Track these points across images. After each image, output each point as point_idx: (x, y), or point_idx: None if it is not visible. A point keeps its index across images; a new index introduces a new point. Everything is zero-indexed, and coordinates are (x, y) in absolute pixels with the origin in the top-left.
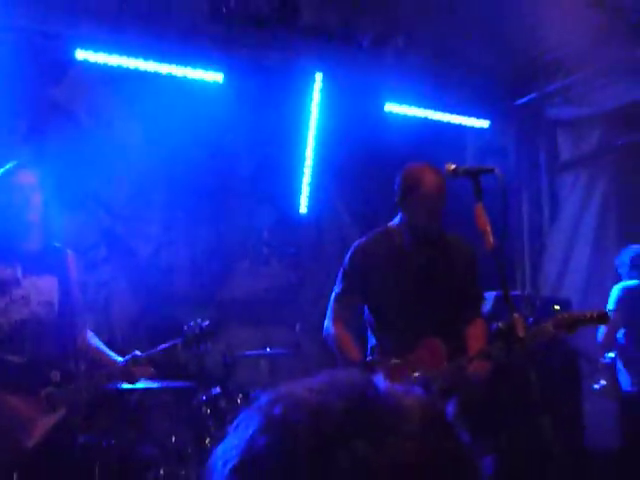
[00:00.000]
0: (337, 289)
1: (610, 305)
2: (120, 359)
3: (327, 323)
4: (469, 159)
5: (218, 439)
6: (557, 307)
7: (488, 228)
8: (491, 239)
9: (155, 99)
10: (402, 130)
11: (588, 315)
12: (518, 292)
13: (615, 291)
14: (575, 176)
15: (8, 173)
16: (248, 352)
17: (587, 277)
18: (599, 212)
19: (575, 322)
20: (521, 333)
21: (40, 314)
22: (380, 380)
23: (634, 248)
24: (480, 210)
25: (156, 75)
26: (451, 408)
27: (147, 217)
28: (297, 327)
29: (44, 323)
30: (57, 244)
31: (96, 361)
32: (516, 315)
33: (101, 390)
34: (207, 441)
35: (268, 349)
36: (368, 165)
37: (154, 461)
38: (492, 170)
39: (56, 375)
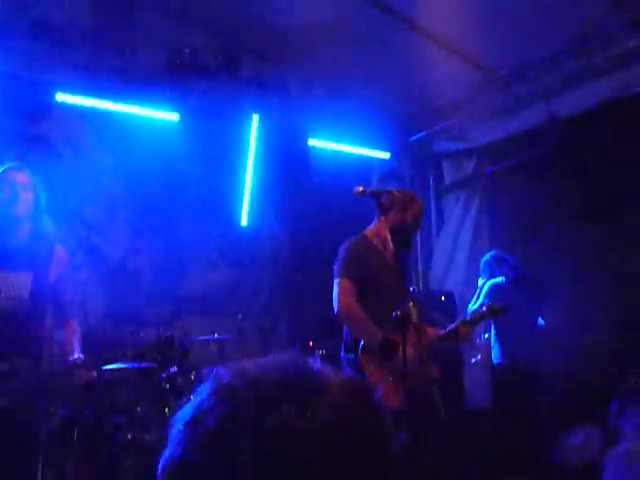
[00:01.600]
0: (341, 277)
1: (482, 297)
2: (77, 356)
3: (343, 304)
4: (374, 183)
5: (176, 409)
6: (443, 297)
7: (388, 237)
8: (391, 245)
9: (122, 134)
10: (322, 160)
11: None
12: (412, 287)
13: (486, 286)
14: (456, 196)
15: (3, 171)
16: (200, 337)
17: (465, 274)
18: (474, 224)
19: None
20: (414, 319)
21: (7, 308)
22: (315, 361)
23: (487, 256)
24: (382, 223)
25: (123, 114)
26: (378, 392)
27: (116, 229)
28: (239, 316)
29: (9, 317)
30: (48, 240)
31: (63, 352)
32: (411, 304)
33: (45, 384)
34: (167, 410)
35: (216, 335)
36: (295, 187)
37: (123, 427)
38: (391, 191)
39: (4, 366)
